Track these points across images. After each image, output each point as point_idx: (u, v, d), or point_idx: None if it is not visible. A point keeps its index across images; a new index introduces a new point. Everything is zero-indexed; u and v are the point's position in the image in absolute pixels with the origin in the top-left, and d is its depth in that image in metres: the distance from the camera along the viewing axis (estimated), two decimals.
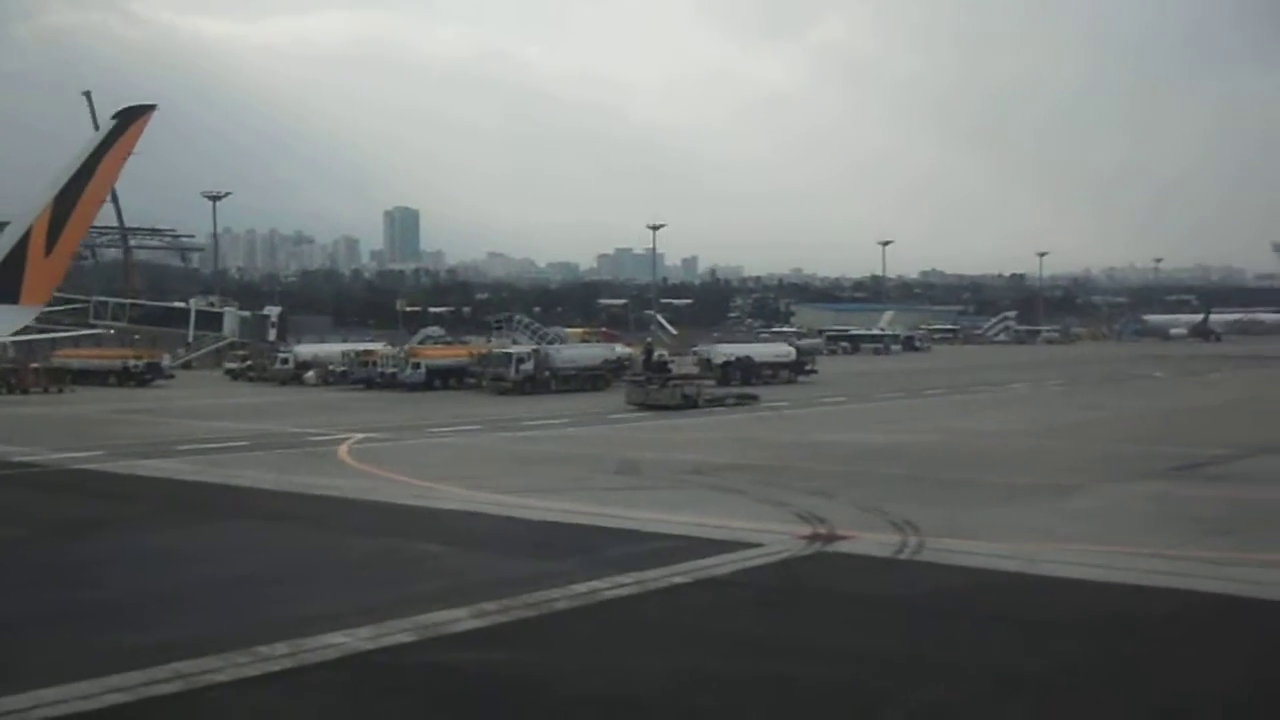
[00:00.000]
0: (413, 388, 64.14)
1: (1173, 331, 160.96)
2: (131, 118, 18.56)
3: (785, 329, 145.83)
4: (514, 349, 65.00)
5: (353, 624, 15.09)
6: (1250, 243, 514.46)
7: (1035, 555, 19.25)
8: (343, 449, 36.39)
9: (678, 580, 17.89)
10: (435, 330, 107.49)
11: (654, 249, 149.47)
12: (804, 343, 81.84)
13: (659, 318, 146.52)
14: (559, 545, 20.95)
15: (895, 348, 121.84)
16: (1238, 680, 12.95)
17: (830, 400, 55.81)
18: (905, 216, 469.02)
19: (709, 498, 26.18)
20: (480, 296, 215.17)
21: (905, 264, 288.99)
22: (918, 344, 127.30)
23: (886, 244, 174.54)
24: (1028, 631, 15.07)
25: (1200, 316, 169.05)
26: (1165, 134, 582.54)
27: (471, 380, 64.98)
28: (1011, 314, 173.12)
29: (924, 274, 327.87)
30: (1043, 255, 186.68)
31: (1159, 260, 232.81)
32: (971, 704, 12.22)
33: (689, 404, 50.25)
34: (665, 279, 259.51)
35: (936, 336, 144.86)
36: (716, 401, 52.12)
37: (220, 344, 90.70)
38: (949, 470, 30.29)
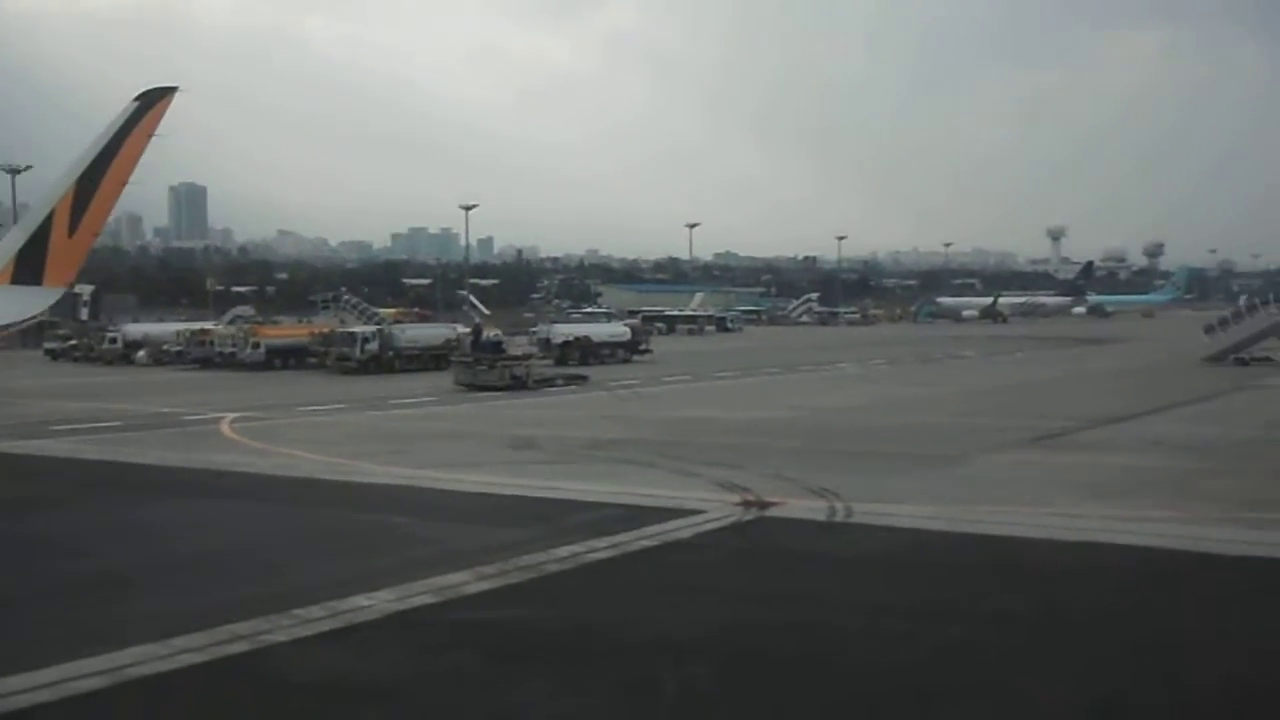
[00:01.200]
0: (252, 367, 63.56)
1: (964, 314, 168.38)
2: (154, 99, 18.76)
3: (595, 309, 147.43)
4: (358, 329, 64.92)
5: (367, 589, 15.84)
6: (1024, 229, 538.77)
7: (956, 516, 21.05)
8: (225, 428, 36.34)
9: (646, 544, 19.11)
10: (246, 310, 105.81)
11: (466, 229, 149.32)
12: (632, 323, 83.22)
13: (471, 298, 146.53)
14: (514, 515, 21.90)
15: (709, 328, 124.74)
16: (1172, 613, 14.94)
17: (675, 379, 57.37)
18: (697, 201, 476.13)
19: (624, 471, 27.29)
20: (280, 276, 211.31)
21: (700, 247, 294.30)
22: (729, 325, 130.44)
23: (694, 226, 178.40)
24: (995, 578, 16.83)
25: (989, 299, 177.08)
26: (949, 123, 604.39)
27: (313, 360, 64.65)
28: (814, 296, 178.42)
29: (718, 256, 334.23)
30: (841, 239, 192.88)
31: (949, 245, 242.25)
32: (986, 637, 13.84)
33: (518, 385, 50.41)
34: (468, 259, 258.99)
35: (745, 318, 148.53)
36: (546, 382, 52.40)
37: (28, 322, 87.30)
38: (833, 443, 32.17)
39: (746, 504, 22.39)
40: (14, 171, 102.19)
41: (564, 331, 70.26)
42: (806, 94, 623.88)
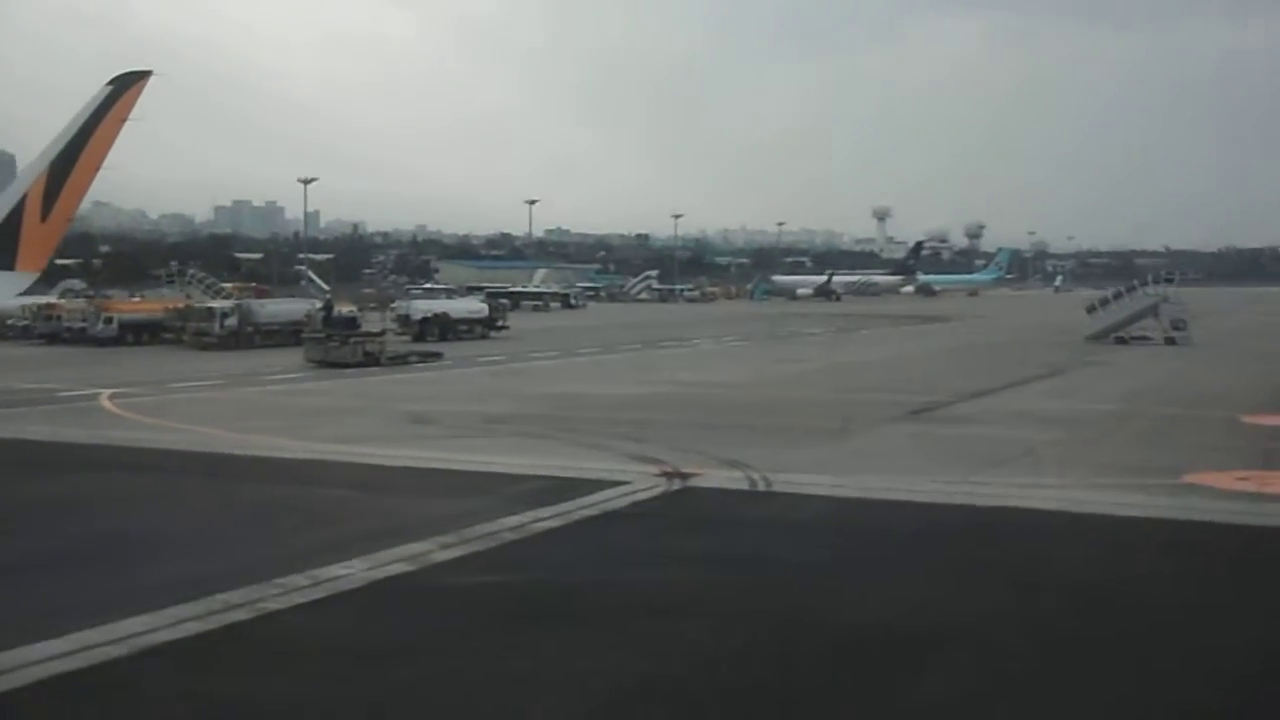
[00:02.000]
0: (103, 343, 62.17)
1: (799, 291, 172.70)
2: (127, 84, 18.65)
3: (435, 285, 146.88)
4: (217, 304, 63.93)
5: (336, 558, 16.27)
6: (849, 209, 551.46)
7: (867, 485, 22.28)
8: (108, 404, 35.81)
9: (588, 513, 19.79)
10: (76, 283, 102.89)
11: (305, 204, 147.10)
12: (493, 300, 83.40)
13: (309, 273, 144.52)
14: (445, 487, 22.36)
15: (555, 305, 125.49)
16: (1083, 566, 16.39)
17: (542, 355, 57.99)
18: (526, 178, 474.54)
19: (532, 445, 27.81)
20: (104, 249, 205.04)
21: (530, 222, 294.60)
22: (573, 301, 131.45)
23: (533, 203, 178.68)
24: (926, 540, 18.08)
25: (823, 277, 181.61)
26: (776, 103, 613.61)
27: (168, 335, 63.47)
28: (653, 273, 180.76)
29: (550, 232, 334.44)
30: (678, 217, 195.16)
31: (781, 224, 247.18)
32: (956, 588, 15.02)
33: (371, 361, 50.18)
34: (296, 233, 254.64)
35: (585, 294, 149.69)
36: (400, 359, 52.16)
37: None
38: (722, 417, 33.18)
39: (667, 475, 23.16)
40: None
41: (423, 308, 70.26)
42: (637, 72, 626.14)
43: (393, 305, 70.55)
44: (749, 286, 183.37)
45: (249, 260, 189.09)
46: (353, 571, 15.72)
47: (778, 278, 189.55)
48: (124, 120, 18.05)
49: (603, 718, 10.94)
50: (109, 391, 38.99)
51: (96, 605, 13.93)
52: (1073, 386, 42.84)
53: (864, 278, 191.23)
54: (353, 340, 51.65)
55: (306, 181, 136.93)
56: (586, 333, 78.07)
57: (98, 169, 18.00)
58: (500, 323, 73.68)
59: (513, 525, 18.66)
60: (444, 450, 26.60)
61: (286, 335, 62.91)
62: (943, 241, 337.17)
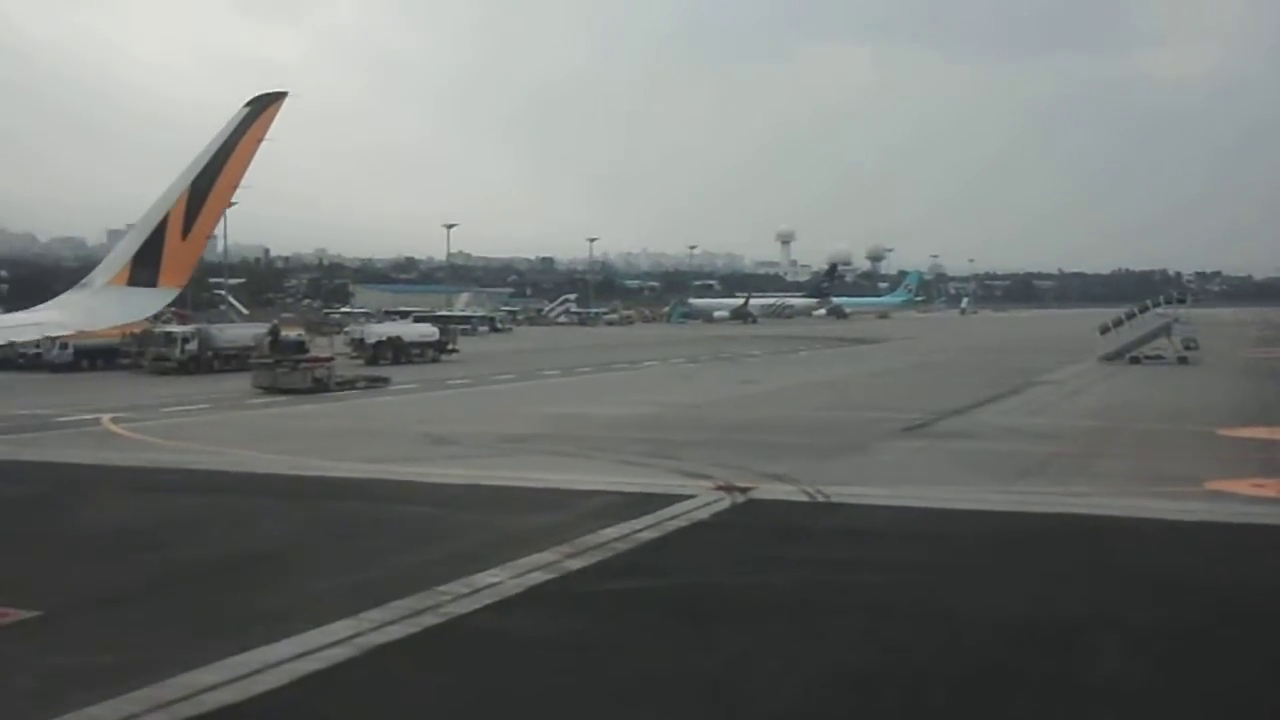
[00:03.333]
0: (58, 368, 61.68)
1: (716, 314, 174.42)
2: (264, 104, 19.20)
3: (355, 310, 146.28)
4: (176, 329, 63.67)
5: (475, 569, 17.09)
6: (748, 231, 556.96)
7: (920, 496, 23.61)
8: (115, 428, 36.08)
9: (678, 524, 20.90)
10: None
11: (224, 228, 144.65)
12: (414, 324, 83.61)
13: (230, 298, 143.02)
14: (522, 503, 23.16)
15: (483, 329, 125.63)
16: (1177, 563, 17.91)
17: (504, 378, 58.43)
18: (425, 201, 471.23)
19: (567, 463, 28.68)
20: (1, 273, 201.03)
21: (432, 247, 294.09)
22: (499, 325, 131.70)
23: (451, 227, 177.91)
24: (991, 542, 19.57)
25: (739, 300, 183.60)
26: (668, 126, 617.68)
27: (125, 361, 63.12)
28: (572, 297, 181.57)
29: (451, 256, 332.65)
30: (593, 240, 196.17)
31: (694, 247, 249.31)
32: (1070, 584, 16.38)
33: (320, 388, 49.62)
34: (226, 256, 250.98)
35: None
36: (348, 384, 51.61)
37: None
38: (728, 435, 34.23)
39: (727, 489, 24.24)
40: None
41: (378, 331, 70.63)
42: (528, 94, 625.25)
43: (346, 329, 70.66)
44: (666, 310, 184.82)
45: None
46: (501, 580, 16.64)
47: (694, 301, 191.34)
48: (260, 140, 18.65)
49: (839, 696, 12.07)
50: (107, 416, 39.16)
51: (293, 611, 14.79)
52: (1039, 404, 44.72)
53: (779, 300, 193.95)
54: (302, 366, 51.13)
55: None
56: (532, 356, 78.76)
57: (236, 188, 18.62)
58: (450, 346, 74.21)
59: (616, 536, 19.65)
60: (489, 469, 27.44)
61: (244, 360, 62.62)
62: (846, 264, 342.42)
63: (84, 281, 21.89)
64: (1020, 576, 17.23)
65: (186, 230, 18.22)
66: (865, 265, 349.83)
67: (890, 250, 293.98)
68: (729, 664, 13.02)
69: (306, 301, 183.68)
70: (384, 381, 54.05)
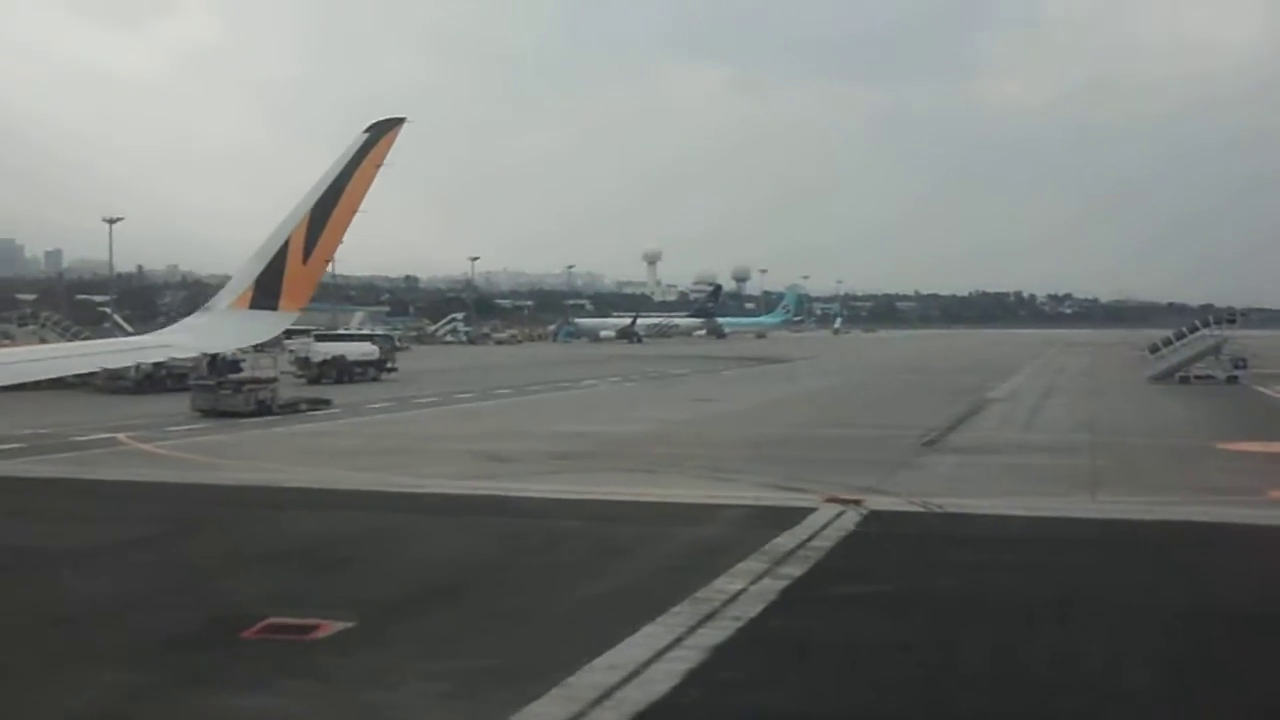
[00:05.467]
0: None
1: (602, 334, 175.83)
2: (383, 130, 19.69)
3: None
4: None
5: (709, 577, 17.76)
6: (610, 251, 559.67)
7: (1029, 506, 25.12)
8: (146, 447, 35.90)
9: (837, 534, 21.88)
10: None
11: (110, 243, 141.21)
12: (358, 341, 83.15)
13: (115, 316, 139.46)
14: (668, 517, 23.89)
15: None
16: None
17: (464, 397, 58.26)
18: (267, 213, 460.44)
19: (657, 479, 29.30)
20: None
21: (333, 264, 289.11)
22: (397, 344, 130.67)
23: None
24: (1117, 546, 21.30)
25: (621, 319, 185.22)
26: (523, 144, 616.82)
27: (73, 380, 61.59)
28: (460, 315, 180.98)
29: None
30: (475, 259, 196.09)
31: (571, 267, 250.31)
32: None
33: (264, 410, 48.06)
34: (60, 273, 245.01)
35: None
36: (291, 407, 50.23)
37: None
38: (762, 451, 35.39)
39: (839, 501, 25.25)
40: None
41: (323, 350, 70.00)
42: (377, 109, 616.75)
43: (291, 348, 69.97)
44: (552, 329, 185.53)
45: (24, 300, 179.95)
46: (742, 586, 17.52)
47: (579, 320, 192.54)
48: (379, 165, 19.13)
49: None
50: (122, 435, 38.81)
51: (591, 614, 15.85)
52: (1017, 420, 46.88)
53: (664, 320, 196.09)
54: (246, 388, 49.44)
55: (112, 221, 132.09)
56: (466, 375, 78.75)
57: (355, 213, 19.10)
58: (390, 365, 74.14)
59: (793, 545, 20.58)
60: (587, 485, 28.11)
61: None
62: (711, 285, 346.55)
63: (208, 305, 22.26)
64: (1174, 572, 18.98)
65: (307, 255, 18.75)
66: (731, 285, 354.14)
67: (764, 271, 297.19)
68: (1059, 658, 14.19)
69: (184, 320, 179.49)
70: (325, 403, 52.44)
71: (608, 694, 12.58)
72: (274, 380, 52.84)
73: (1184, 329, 73.72)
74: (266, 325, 20.32)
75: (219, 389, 48.87)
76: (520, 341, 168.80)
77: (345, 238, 19.08)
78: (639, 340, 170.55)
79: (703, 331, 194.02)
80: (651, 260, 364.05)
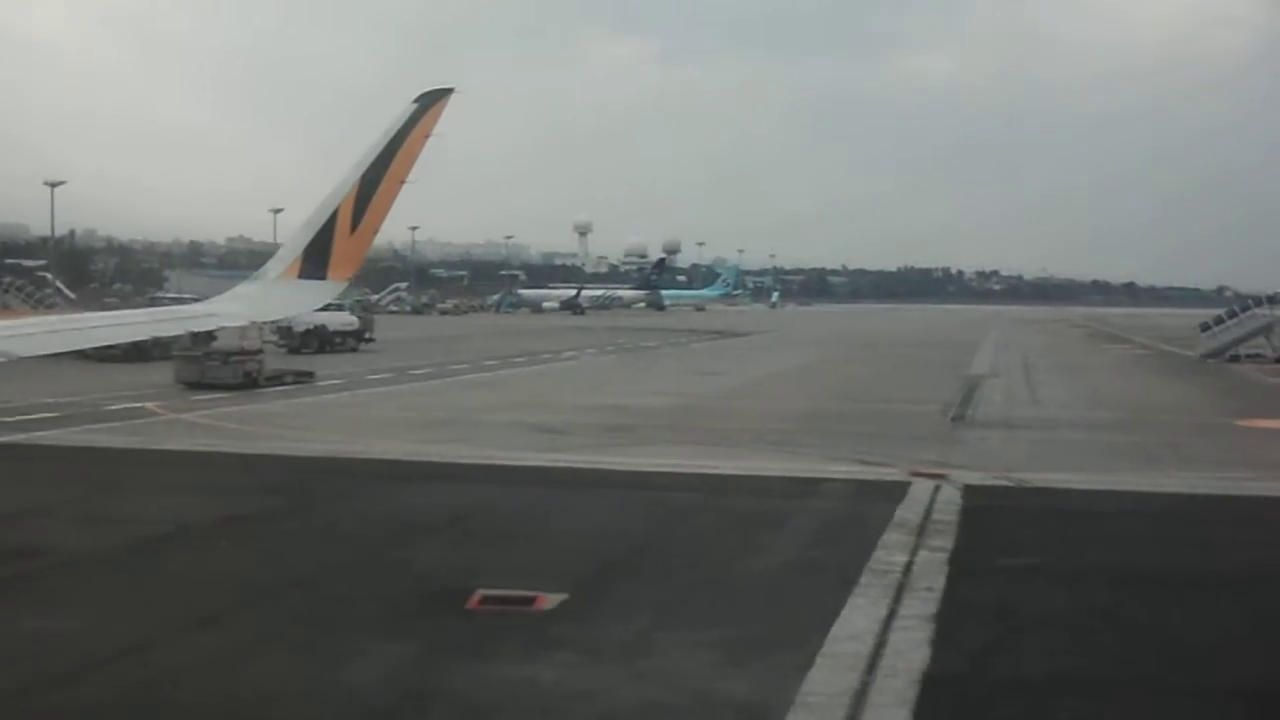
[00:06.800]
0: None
1: (545, 305, 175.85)
2: (432, 100, 19.66)
3: (168, 294, 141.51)
4: None
5: (869, 550, 18.16)
6: (547, 222, 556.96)
7: (1114, 481, 25.70)
8: (185, 417, 35.66)
9: (954, 508, 22.13)
10: None
11: (52, 209, 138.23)
12: (336, 313, 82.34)
13: (57, 283, 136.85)
14: (775, 490, 24.38)
15: None
16: None
17: (459, 368, 57.87)
18: (198, 182, 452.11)
19: (731, 452, 29.61)
20: None
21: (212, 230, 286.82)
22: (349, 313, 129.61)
23: (278, 211, 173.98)
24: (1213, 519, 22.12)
25: (563, 291, 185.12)
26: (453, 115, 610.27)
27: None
28: (403, 285, 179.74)
29: (230, 240, 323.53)
30: (414, 229, 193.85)
31: (510, 237, 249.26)
32: None
33: (250, 383, 46.81)
34: (53, 240, 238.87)
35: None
36: (276, 379, 49.00)
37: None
38: (811, 424, 35.96)
39: (925, 475, 25.79)
40: None
41: (305, 321, 69.14)
42: (303, 79, 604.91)
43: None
44: (494, 299, 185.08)
45: None
46: (905, 558, 17.93)
47: (523, 291, 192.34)
48: (428, 136, 19.15)
49: None
50: (149, 404, 38.48)
51: (799, 582, 16.28)
52: (1029, 396, 47.85)
53: (607, 292, 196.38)
54: (233, 359, 47.81)
55: (53, 185, 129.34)
56: (438, 345, 78.52)
57: (403, 183, 19.06)
58: (368, 335, 73.80)
59: (917, 521, 20.82)
60: (671, 458, 28.31)
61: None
62: (642, 257, 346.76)
63: (257, 274, 22.37)
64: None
65: (355, 224, 18.92)
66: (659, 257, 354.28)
67: (701, 244, 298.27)
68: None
69: (117, 285, 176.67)
70: (309, 375, 51.22)
71: (872, 662, 12.97)
72: (260, 352, 51.47)
73: (1235, 308, 74.09)
74: (315, 294, 20.46)
75: (205, 360, 47.59)
76: (464, 312, 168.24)
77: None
78: (582, 312, 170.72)
79: (642, 304, 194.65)
80: (583, 231, 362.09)
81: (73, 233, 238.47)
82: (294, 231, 22.21)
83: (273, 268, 21.90)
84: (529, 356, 68.52)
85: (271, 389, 46.39)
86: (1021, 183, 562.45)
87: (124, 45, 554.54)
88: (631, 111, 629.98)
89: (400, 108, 19.61)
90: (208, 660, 12.83)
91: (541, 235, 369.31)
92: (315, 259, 19.94)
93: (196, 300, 69.43)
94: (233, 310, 22.12)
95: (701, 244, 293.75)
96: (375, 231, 21.68)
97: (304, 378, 50.44)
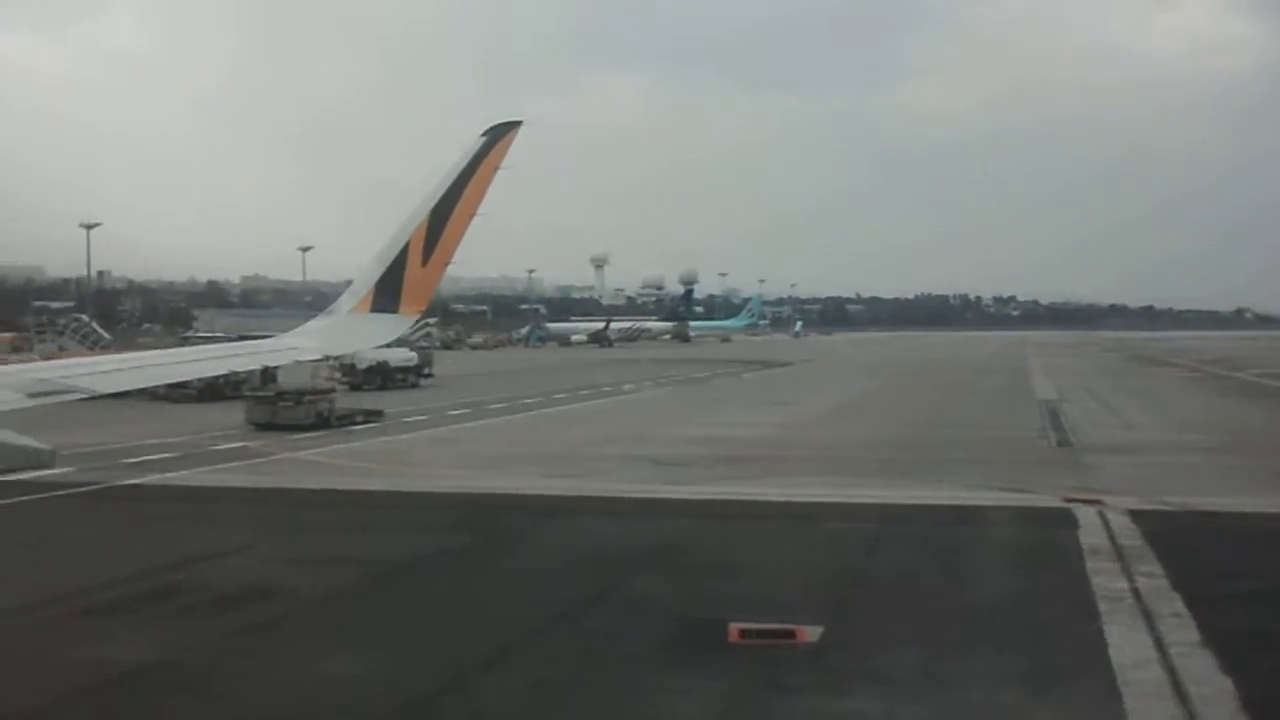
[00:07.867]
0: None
1: (573, 338, 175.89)
2: (500, 133, 19.76)
3: (199, 334, 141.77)
4: None
5: (1075, 580, 18.22)
6: (549, 256, 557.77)
7: (1245, 505, 25.45)
8: (299, 456, 35.55)
9: (1130, 534, 22.08)
10: None
11: (89, 251, 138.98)
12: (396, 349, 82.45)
13: (93, 324, 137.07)
14: (933, 519, 24.25)
15: None
16: None
17: (530, 402, 57.89)
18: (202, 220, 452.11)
19: (872, 480, 29.49)
20: None
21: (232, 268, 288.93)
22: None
23: (307, 250, 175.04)
24: None
25: (598, 325, 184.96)
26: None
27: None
28: (433, 320, 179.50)
29: (245, 279, 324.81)
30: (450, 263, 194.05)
31: (532, 271, 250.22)
32: None
33: (322, 423, 46.28)
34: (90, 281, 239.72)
35: None
36: (347, 419, 48.05)
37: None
38: (913, 454, 35.54)
39: (1080, 501, 25.60)
40: None
41: (369, 357, 69.27)
42: (307, 111, 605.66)
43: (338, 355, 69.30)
44: (522, 333, 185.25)
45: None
46: (1127, 585, 17.88)
47: (551, 325, 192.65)
48: (497, 168, 19.19)
49: None
50: (251, 443, 38.53)
51: (1031, 628, 15.93)
52: (1114, 421, 47.61)
53: (635, 324, 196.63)
54: (306, 399, 47.59)
55: (89, 227, 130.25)
56: (495, 380, 78.47)
57: (473, 216, 19.16)
58: (427, 370, 73.83)
59: (1106, 547, 20.78)
60: (810, 489, 28.27)
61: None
62: (659, 289, 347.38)
63: (330, 309, 22.31)
64: None
65: (426, 257, 18.93)
66: (679, 289, 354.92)
67: (724, 275, 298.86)
68: None
69: (145, 325, 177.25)
70: (379, 415, 49.90)
71: (1177, 690, 12.86)
72: (332, 390, 51.54)
73: None
74: (387, 328, 20.54)
75: (278, 400, 47.23)
76: (494, 346, 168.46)
77: (460, 240, 18.99)
78: (610, 344, 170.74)
79: (668, 336, 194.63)
80: (599, 264, 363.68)
81: (101, 274, 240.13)
82: (365, 265, 22.36)
83: (345, 302, 21.90)
84: (592, 389, 68.38)
85: (345, 428, 45.88)
86: (1038, 209, 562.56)
87: (118, 79, 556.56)
88: (638, 145, 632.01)
89: (468, 143, 19.85)
90: (530, 696, 12.74)
91: (552, 270, 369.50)
92: (387, 293, 20.05)
93: (228, 339, 68.73)
94: (307, 344, 22.02)
95: (724, 274, 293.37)
96: (446, 265, 21.72)
97: (374, 416, 49.21)
